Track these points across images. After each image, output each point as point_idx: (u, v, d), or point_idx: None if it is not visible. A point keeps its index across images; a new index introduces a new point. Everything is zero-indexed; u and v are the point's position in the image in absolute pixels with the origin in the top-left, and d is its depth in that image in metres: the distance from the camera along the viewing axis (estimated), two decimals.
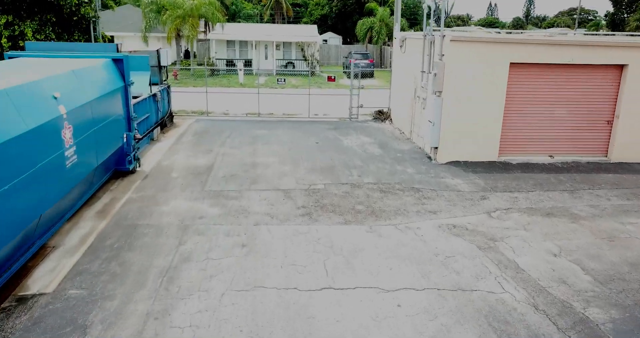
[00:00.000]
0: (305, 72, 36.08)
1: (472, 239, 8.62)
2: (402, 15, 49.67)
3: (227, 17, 59.43)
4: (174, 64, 41.81)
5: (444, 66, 12.96)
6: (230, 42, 37.69)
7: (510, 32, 19.33)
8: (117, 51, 11.43)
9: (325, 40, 57.99)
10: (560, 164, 13.42)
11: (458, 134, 13.24)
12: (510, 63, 12.88)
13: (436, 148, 13.55)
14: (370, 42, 44.81)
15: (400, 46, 17.63)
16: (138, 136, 11.86)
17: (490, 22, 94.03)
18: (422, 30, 14.91)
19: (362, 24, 43.46)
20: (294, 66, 37.64)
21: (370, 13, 46.22)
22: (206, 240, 8.30)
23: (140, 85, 14.47)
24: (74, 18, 18.40)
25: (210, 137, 15.95)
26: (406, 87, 17.06)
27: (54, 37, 17.67)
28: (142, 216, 9.27)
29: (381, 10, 42.70)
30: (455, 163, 13.27)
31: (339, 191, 10.88)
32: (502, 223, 9.38)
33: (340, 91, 24.91)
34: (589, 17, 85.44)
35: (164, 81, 17.91)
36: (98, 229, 8.67)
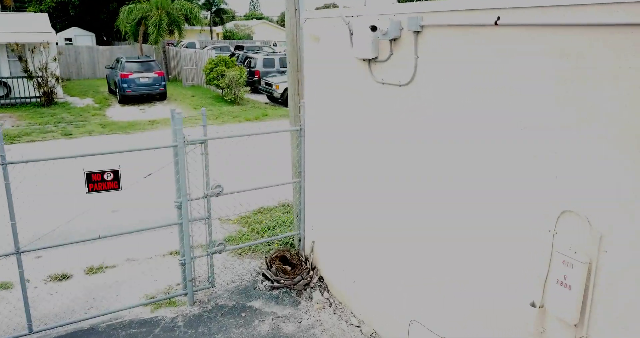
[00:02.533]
0: (33, 101, 19.07)
1: None
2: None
3: None
4: None
5: None
6: None
7: None
8: None
9: (69, 40, 39.68)
10: None
11: None
12: None
13: None
14: (145, 41, 29.04)
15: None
16: None
17: (259, 17, 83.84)
18: None
19: (127, 13, 27.35)
20: (10, 90, 19.97)
21: None
22: None
23: None
24: None
25: None
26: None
27: None
28: None
29: None
30: None
31: None
32: None
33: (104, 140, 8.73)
34: None
35: None
36: None
